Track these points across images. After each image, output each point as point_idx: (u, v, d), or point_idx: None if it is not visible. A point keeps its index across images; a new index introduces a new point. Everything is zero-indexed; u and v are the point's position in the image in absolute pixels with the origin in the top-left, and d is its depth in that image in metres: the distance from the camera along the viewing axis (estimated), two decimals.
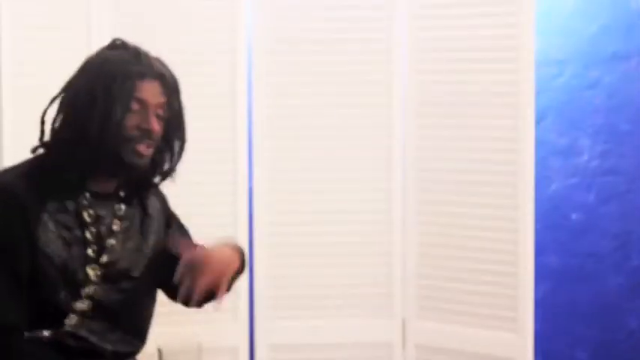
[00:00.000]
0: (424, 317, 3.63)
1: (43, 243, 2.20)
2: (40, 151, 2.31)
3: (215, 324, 3.54)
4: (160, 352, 2.26)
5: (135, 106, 2.23)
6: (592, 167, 3.87)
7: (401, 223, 3.64)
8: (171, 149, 2.34)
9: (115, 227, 2.34)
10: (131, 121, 2.23)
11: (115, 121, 2.21)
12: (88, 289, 2.27)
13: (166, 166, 2.37)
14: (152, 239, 2.42)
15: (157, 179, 2.40)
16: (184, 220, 3.55)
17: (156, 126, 2.26)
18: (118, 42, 2.34)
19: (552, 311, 3.88)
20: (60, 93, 2.32)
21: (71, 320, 2.25)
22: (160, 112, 2.27)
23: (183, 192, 3.52)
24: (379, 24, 3.61)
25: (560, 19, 3.85)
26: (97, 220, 2.30)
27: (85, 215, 2.27)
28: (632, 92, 3.82)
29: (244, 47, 3.56)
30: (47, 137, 2.31)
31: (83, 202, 2.28)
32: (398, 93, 3.61)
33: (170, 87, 2.28)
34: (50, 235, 2.21)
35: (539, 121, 3.71)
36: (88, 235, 2.27)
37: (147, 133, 2.25)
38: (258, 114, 3.61)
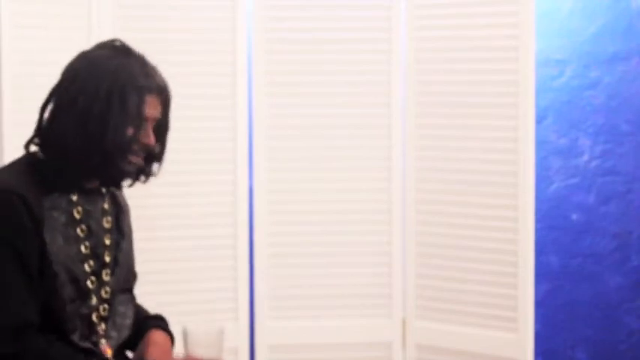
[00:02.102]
0: (424, 317, 3.63)
1: (48, 241, 2.22)
2: (33, 146, 2.32)
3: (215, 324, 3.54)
4: (184, 332, 2.30)
5: (138, 120, 2.28)
6: (592, 167, 3.87)
7: (401, 223, 3.64)
8: (157, 156, 2.39)
9: (106, 225, 2.37)
10: (136, 135, 2.27)
11: (128, 136, 2.25)
12: (88, 285, 2.29)
13: (150, 169, 2.40)
14: (126, 233, 2.47)
15: (141, 179, 2.43)
16: (184, 219, 3.56)
17: (153, 140, 2.32)
18: (118, 43, 2.35)
19: (552, 311, 3.88)
20: (61, 86, 2.32)
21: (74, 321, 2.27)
22: (154, 123, 2.33)
23: (183, 192, 3.54)
24: (379, 24, 3.61)
25: (560, 19, 3.85)
26: (87, 215, 2.33)
27: (75, 212, 2.29)
28: (632, 92, 3.82)
29: (244, 47, 3.56)
30: (45, 132, 2.31)
31: (73, 198, 2.30)
32: (398, 93, 3.61)
33: (167, 100, 2.35)
34: (51, 233, 2.23)
35: (539, 121, 3.72)
36: (79, 232, 2.30)
37: (145, 147, 2.30)
38: (258, 114, 3.61)
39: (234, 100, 3.56)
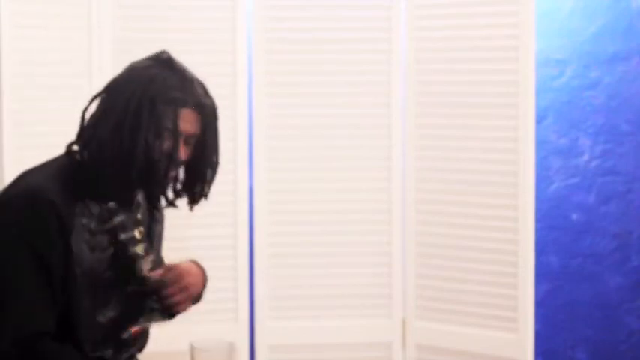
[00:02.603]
0: (424, 317, 3.63)
1: (74, 248, 2.17)
2: (75, 147, 2.26)
3: (215, 324, 3.54)
4: (191, 348, 2.24)
5: (167, 133, 2.21)
6: (592, 167, 3.87)
7: (401, 224, 3.64)
8: (203, 176, 2.32)
9: (138, 235, 2.34)
10: (161, 146, 2.20)
11: (158, 149, 2.19)
12: (111, 295, 2.27)
13: (197, 190, 2.34)
14: (155, 245, 2.44)
15: (189, 203, 2.37)
16: (184, 220, 3.56)
17: (182, 155, 2.24)
18: (164, 56, 2.32)
19: (552, 311, 3.88)
20: (102, 92, 2.27)
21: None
22: (191, 140, 2.26)
23: None
24: (379, 24, 3.61)
25: (560, 19, 3.86)
26: (118, 225, 2.28)
27: (106, 222, 2.25)
28: (632, 92, 3.82)
29: (244, 47, 3.56)
30: (85, 138, 2.26)
31: (105, 206, 2.26)
32: (398, 93, 3.61)
33: (208, 117, 2.27)
34: (79, 240, 2.18)
35: (539, 121, 3.72)
36: (107, 241, 2.25)
37: (173, 161, 2.22)
38: (258, 114, 3.61)
39: (234, 100, 3.56)
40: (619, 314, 3.86)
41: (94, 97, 2.27)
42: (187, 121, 2.22)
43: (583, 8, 3.84)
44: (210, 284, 3.54)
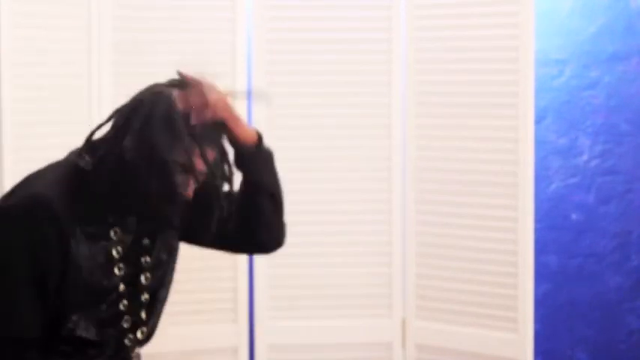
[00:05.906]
0: (424, 317, 3.63)
1: (73, 254, 2.13)
2: (87, 158, 2.18)
3: (215, 324, 3.54)
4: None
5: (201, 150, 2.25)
6: (592, 167, 3.87)
7: (401, 223, 3.64)
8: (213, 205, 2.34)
9: (145, 263, 2.29)
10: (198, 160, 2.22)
11: (188, 157, 2.19)
12: (120, 308, 2.24)
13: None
14: (167, 281, 2.40)
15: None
16: None
17: (201, 166, 2.23)
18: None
19: (552, 311, 3.88)
20: (122, 113, 2.20)
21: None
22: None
23: None
24: (379, 24, 3.61)
25: (560, 19, 3.86)
26: (126, 256, 2.23)
27: (114, 252, 2.21)
28: (631, 92, 3.82)
29: (244, 47, 3.56)
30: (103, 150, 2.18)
31: (112, 236, 2.21)
32: (398, 93, 3.61)
33: None
34: (78, 246, 2.13)
35: (538, 121, 3.72)
36: (116, 270, 2.21)
37: (191, 170, 2.20)
38: (259, 114, 3.61)
39: (233, 101, 3.55)
40: (619, 314, 3.86)
41: (113, 114, 2.21)
42: None
43: (582, 8, 3.84)
44: (210, 284, 3.56)
